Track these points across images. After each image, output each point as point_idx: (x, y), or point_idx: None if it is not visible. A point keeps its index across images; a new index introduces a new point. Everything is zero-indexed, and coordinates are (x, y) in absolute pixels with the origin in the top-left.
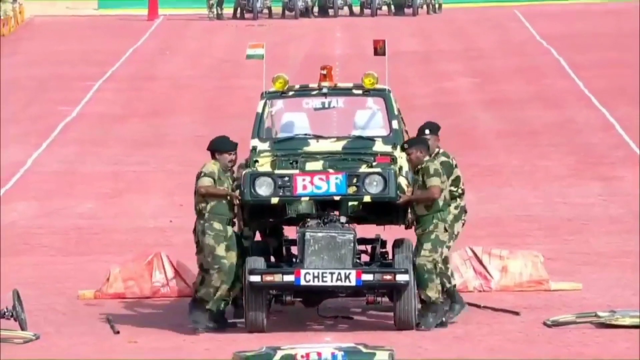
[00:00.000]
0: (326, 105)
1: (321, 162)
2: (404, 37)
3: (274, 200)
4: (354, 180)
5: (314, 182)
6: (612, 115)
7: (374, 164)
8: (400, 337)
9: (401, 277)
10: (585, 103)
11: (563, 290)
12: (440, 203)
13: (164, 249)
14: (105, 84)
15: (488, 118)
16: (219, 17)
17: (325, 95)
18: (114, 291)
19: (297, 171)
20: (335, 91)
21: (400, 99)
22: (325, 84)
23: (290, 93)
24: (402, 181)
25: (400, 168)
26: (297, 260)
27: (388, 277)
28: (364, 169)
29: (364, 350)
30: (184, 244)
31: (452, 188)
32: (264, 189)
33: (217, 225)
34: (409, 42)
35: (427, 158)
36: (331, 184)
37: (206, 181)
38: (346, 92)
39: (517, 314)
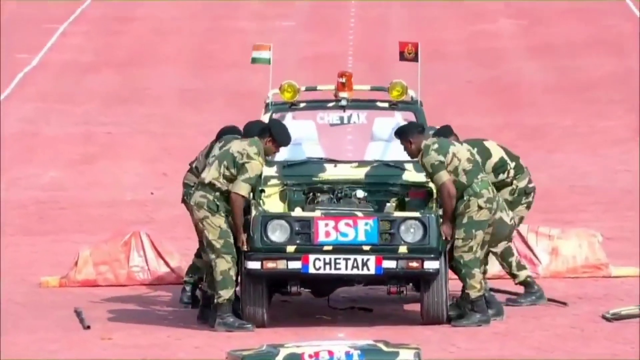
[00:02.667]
0: (345, 121)
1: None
2: None
3: (290, 248)
4: (387, 227)
5: (339, 228)
6: None
7: (407, 199)
8: (429, 333)
9: (430, 265)
10: None
11: (625, 277)
12: (465, 179)
13: (143, 227)
14: (72, 27)
15: (535, 68)
16: None
17: (344, 108)
18: (83, 278)
19: (317, 214)
20: (356, 104)
21: (428, 47)
22: (343, 94)
23: (302, 105)
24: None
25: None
26: None
27: (414, 264)
28: (398, 212)
29: (385, 348)
30: (168, 220)
31: (501, 176)
32: (277, 234)
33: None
34: None
35: (424, 143)
36: (360, 230)
37: (245, 189)
38: (369, 105)
39: (564, 304)
